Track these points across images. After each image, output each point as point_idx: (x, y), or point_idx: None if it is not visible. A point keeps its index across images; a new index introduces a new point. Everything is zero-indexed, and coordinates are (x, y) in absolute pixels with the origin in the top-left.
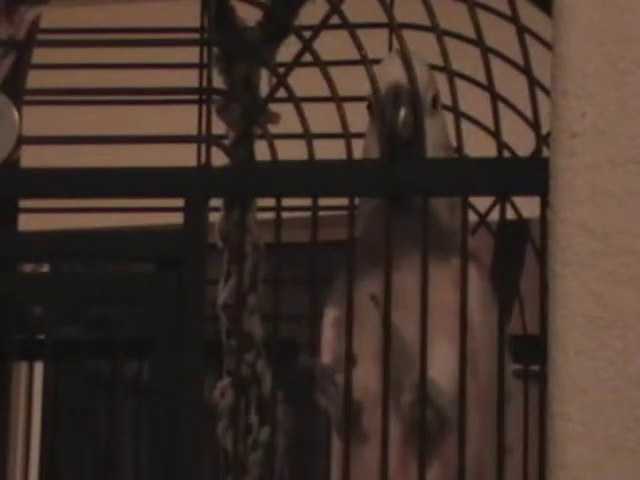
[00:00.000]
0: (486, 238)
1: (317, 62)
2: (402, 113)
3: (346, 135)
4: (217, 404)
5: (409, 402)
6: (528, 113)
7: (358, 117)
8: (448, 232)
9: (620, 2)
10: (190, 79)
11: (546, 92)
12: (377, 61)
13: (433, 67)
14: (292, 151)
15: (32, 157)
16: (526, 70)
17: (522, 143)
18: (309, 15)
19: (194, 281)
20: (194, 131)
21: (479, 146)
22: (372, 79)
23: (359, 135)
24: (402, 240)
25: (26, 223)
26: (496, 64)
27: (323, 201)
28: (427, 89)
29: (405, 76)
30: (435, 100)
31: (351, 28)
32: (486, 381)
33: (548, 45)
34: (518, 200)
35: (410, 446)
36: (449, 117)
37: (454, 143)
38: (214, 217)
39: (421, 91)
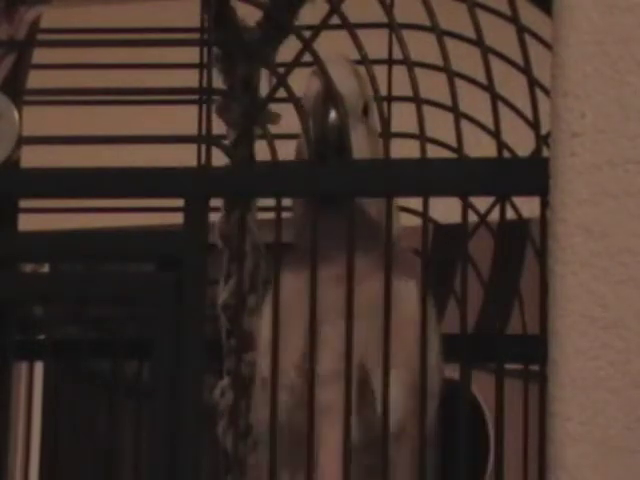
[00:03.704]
0: (486, 238)
1: (317, 62)
2: (332, 116)
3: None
4: (217, 404)
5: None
6: (528, 113)
7: None
8: (378, 232)
9: (620, 3)
10: (190, 79)
11: (546, 92)
12: (377, 61)
13: (433, 67)
14: (292, 151)
15: (32, 157)
16: (526, 70)
17: (522, 143)
18: (309, 15)
19: (194, 281)
20: (194, 131)
21: (479, 146)
22: (372, 79)
23: None
24: (330, 242)
25: (26, 223)
26: (496, 64)
27: None
28: (358, 96)
29: (340, 81)
30: (366, 108)
31: (351, 28)
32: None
33: (548, 45)
34: (518, 200)
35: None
36: (449, 117)
37: (382, 151)
38: (214, 217)
39: (351, 97)
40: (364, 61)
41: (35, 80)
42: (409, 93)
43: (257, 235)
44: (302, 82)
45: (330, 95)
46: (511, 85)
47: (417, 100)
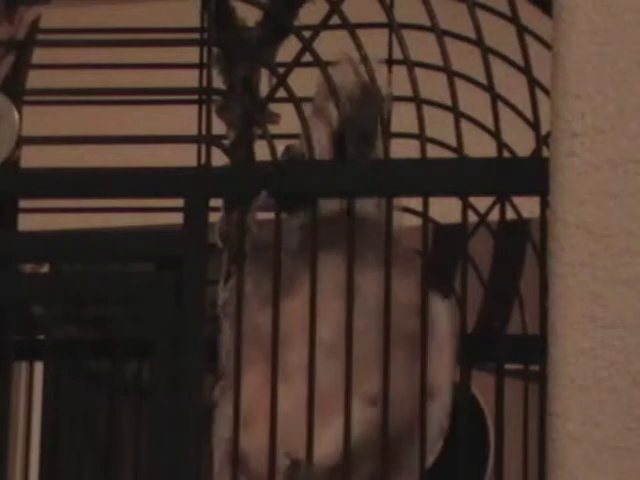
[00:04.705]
0: (486, 238)
1: (317, 62)
2: (369, 108)
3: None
4: (217, 404)
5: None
6: (528, 113)
7: None
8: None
9: (620, 2)
10: (190, 79)
11: (546, 92)
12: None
13: (433, 67)
14: None
15: (32, 157)
16: (526, 70)
17: (522, 143)
18: (309, 15)
19: (194, 281)
20: (194, 131)
21: (479, 146)
22: (372, 79)
23: None
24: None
25: (26, 223)
26: (496, 64)
27: None
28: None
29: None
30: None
31: (351, 28)
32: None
33: (548, 45)
34: (518, 200)
35: None
36: (449, 117)
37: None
38: (214, 217)
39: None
40: (364, 61)
41: (35, 80)
42: (409, 93)
43: (257, 235)
44: (302, 82)
45: (369, 89)
46: (511, 85)
47: (417, 100)
